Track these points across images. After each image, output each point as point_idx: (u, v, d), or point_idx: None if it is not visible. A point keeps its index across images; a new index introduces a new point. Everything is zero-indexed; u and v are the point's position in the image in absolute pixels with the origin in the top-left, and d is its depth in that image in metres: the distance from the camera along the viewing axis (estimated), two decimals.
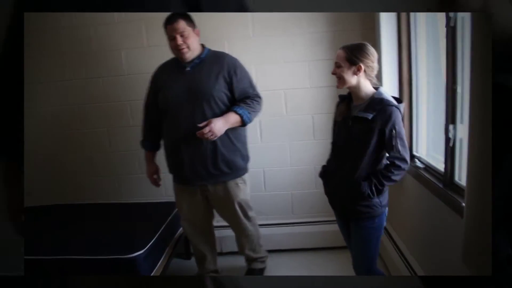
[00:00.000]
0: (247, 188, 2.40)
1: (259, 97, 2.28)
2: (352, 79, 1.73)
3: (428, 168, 2.06)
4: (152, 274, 2.19)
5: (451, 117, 1.75)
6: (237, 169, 2.30)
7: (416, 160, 2.20)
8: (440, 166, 1.91)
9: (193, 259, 2.79)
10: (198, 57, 2.21)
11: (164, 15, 2.64)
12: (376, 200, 1.75)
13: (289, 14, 2.65)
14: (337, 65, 1.75)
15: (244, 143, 2.33)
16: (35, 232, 2.47)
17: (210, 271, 2.55)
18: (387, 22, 2.33)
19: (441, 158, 1.88)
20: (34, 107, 2.92)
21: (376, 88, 1.76)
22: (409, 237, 2.30)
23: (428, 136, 2.21)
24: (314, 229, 2.85)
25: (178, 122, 2.21)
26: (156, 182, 2.52)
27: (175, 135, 2.23)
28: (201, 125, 2.10)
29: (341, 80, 1.75)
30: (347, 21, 2.63)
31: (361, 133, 1.72)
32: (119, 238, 2.29)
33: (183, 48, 2.15)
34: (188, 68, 2.20)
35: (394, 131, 1.65)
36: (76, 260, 2.12)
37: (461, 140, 1.73)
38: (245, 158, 2.35)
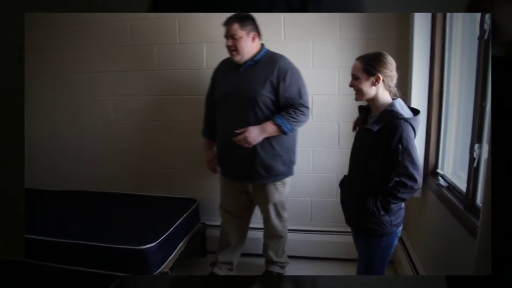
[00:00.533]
0: (286, 190, 2.44)
1: (305, 107, 2.26)
2: (370, 91, 1.67)
3: (451, 187, 1.96)
4: (162, 267, 2.22)
5: (477, 136, 1.66)
6: (276, 174, 2.32)
7: (440, 178, 2.10)
8: (464, 186, 1.81)
9: (207, 257, 2.83)
10: (252, 59, 2.26)
11: (196, 14, 2.70)
12: (386, 218, 1.67)
13: (322, 19, 2.61)
14: (355, 77, 1.70)
15: (287, 149, 2.33)
16: (53, 214, 2.61)
17: (226, 262, 2.58)
18: (420, 32, 2.24)
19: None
20: (69, 96, 3.07)
21: (394, 99, 1.69)
22: (425, 255, 2.22)
23: (456, 153, 2.10)
24: (331, 238, 2.79)
25: (224, 120, 2.31)
26: (213, 168, 2.58)
27: (221, 132, 2.34)
28: (238, 131, 2.16)
29: (359, 92, 1.69)
30: (381, 29, 2.56)
31: (370, 146, 1.67)
32: (134, 229, 2.34)
33: (232, 51, 2.23)
34: (241, 69, 2.27)
35: (400, 146, 1.56)
36: (88, 246, 2.18)
37: (486, 161, 1.63)
38: (287, 163, 2.36)
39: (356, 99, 1.73)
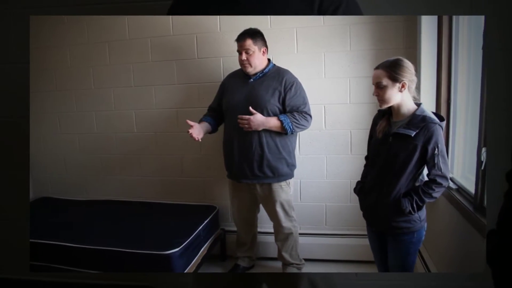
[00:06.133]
0: (291, 190, 2.62)
1: (309, 115, 2.49)
2: (397, 97, 1.73)
3: (460, 189, 2.05)
4: (185, 271, 2.34)
5: (484, 140, 1.75)
6: (280, 175, 2.53)
7: (449, 180, 2.19)
8: (473, 188, 1.89)
9: (227, 261, 2.95)
10: (262, 71, 2.51)
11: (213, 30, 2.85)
12: (416, 215, 1.77)
13: (333, 32, 2.73)
14: (379, 86, 1.73)
15: (290, 153, 2.55)
16: (81, 222, 2.76)
17: (246, 256, 2.85)
18: (428, 41, 2.35)
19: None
20: (96, 110, 3.25)
21: (418, 105, 1.76)
22: (437, 255, 2.30)
23: (465, 157, 2.20)
24: (346, 241, 2.87)
25: (234, 124, 2.46)
26: (195, 134, 2.44)
27: (231, 135, 2.52)
28: (245, 117, 2.36)
29: (385, 100, 1.73)
30: (390, 40, 2.65)
31: (402, 150, 1.71)
32: (158, 235, 2.47)
33: (245, 64, 2.45)
34: (251, 80, 2.50)
35: (436, 149, 1.66)
36: (115, 251, 2.30)
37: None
38: (290, 165, 2.56)
39: (381, 107, 1.78)
